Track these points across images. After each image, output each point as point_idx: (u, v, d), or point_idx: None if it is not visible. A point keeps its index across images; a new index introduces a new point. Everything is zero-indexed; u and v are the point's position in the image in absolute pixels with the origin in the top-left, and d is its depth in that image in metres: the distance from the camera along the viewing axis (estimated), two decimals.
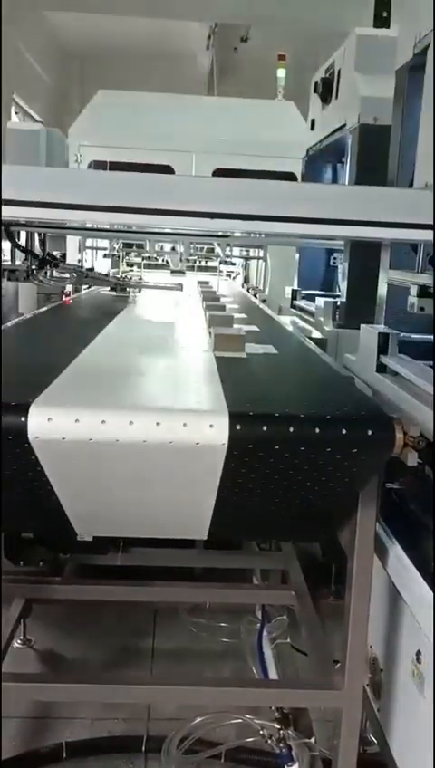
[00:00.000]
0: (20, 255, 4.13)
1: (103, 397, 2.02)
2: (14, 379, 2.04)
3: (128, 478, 1.94)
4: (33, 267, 4.10)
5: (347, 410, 1.99)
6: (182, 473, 1.89)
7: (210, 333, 2.94)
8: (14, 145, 6.29)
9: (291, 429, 1.83)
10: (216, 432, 1.79)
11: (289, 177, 5.79)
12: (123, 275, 4.76)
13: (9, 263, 4.62)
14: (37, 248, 5.08)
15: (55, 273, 4.47)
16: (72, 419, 1.79)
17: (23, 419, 1.76)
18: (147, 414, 1.82)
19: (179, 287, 5.08)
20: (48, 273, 4.35)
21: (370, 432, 1.87)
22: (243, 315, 4.05)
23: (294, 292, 5.73)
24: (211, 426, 1.80)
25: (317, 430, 1.83)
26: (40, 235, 5.26)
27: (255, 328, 3.54)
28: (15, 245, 3.99)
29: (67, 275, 4.42)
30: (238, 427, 1.80)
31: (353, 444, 1.86)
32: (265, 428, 1.82)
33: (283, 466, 1.90)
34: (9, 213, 2.21)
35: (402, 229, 2.27)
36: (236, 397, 2.01)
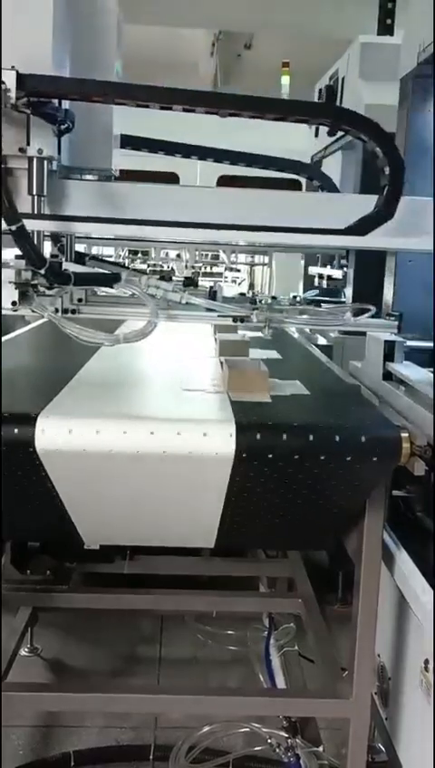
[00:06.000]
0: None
1: (107, 406, 2.02)
2: (21, 389, 2.04)
3: (136, 488, 1.94)
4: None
5: (354, 420, 1.99)
6: (191, 482, 1.90)
7: (216, 340, 2.94)
8: None
9: (298, 439, 1.83)
10: (223, 441, 1.80)
11: (294, 184, 5.79)
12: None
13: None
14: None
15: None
16: (79, 429, 1.79)
17: (30, 429, 1.77)
18: (155, 424, 1.83)
19: None
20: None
21: (377, 442, 1.87)
22: None
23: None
24: (218, 435, 1.80)
25: (325, 440, 1.83)
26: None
27: (258, 334, 3.53)
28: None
29: None
30: (245, 437, 1.81)
31: (360, 453, 1.86)
32: (271, 438, 1.83)
33: (289, 476, 1.90)
34: None
35: (409, 238, 2.27)
36: (243, 405, 2.01)
